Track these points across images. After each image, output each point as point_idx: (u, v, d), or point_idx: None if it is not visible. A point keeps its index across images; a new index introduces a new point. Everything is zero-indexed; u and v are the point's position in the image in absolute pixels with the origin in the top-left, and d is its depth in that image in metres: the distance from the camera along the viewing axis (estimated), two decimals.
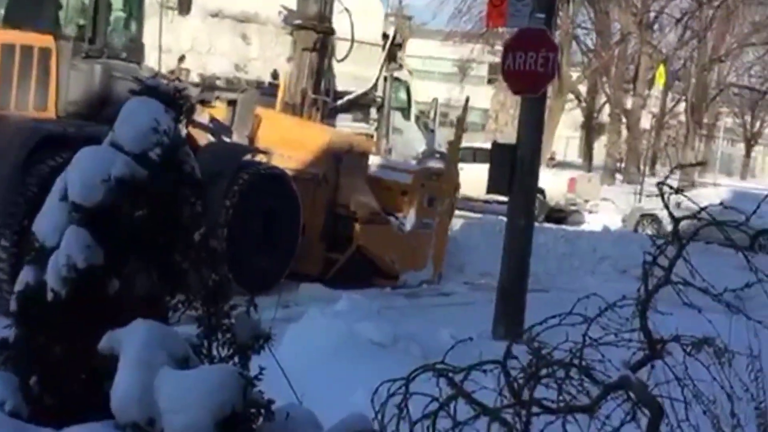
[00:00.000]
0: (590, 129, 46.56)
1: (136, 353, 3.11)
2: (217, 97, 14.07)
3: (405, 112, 21.96)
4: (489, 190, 12.42)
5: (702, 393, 4.05)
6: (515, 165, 11.39)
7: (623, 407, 3.78)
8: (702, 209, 3.83)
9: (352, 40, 15.88)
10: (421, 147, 21.82)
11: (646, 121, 37.08)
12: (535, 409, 3.83)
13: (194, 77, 15.47)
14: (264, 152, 13.47)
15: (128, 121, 3.51)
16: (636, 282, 15.06)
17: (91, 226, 3.39)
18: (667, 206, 3.75)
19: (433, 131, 23.83)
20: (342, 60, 15.98)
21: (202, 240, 3.26)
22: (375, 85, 17.89)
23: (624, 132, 43.99)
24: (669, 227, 18.36)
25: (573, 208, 27.78)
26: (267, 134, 14.10)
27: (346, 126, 16.57)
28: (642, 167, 36.98)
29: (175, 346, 3.14)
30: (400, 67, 19.22)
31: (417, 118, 22.85)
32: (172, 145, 3.35)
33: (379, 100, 18.21)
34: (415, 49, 25.25)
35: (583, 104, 45.20)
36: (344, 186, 14.12)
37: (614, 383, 3.77)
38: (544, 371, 3.74)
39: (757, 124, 60.29)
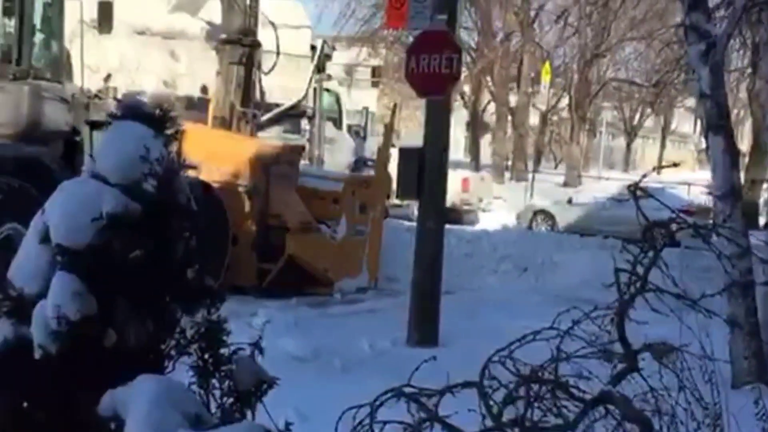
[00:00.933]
0: (476, 128, 46.87)
1: (146, 415, 2.70)
2: None
3: (336, 121, 22.27)
4: (399, 196, 12.38)
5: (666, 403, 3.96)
6: (423, 168, 11.30)
7: (609, 423, 3.64)
8: (676, 212, 3.68)
9: (278, 53, 16.02)
10: (353, 156, 22.15)
11: (533, 118, 37.45)
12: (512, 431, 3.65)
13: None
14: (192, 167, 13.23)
15: (112, 149, 3.05)
16: (536, 280, 15.11)
17: (79, 270, 2.93)
18: (640, 209, 3.60)
19: (364, 139, 24.39)
20: (268, 72, 16.04)
21: (196, 278, 2.96)
22: (305, 96, 18.09)
23: (509, 130, 44.40)
24: (562, 224, 18.48)
25: (467, 207, 27.89)
26: (193, 148, 13.68)
27: (277, 137, 16.80)
28: (531, 164, 37.34)
29: (187, 403, 2.75)
30: (329, 77, 19.53)
31: (349, 128, 23.20)
32: (166, 175, 2.97)
33: (309, 110, 18.45)
34: None
35: (468, 104, 45.48)
36: (274, 196, 14.26)
37: (595, 399, 3.62)
38: (521, 390, 3.55)
39: (637, 117, 61.53)
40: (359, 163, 22.00)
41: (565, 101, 48.02)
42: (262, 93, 16.29)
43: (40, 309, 2.95)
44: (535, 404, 3.64)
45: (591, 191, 29.46)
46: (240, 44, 15.20)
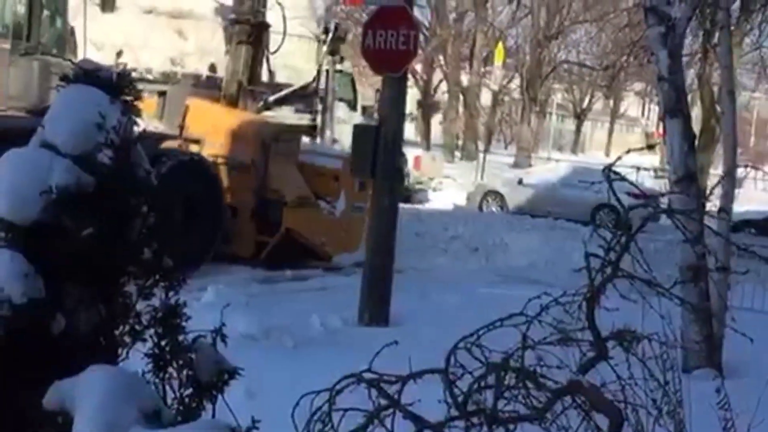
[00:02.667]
0: (427, 107, 46.76)
1: (97, 409, 2.42)
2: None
3: (350, 103, 22.36)
4: (354, 173, 12.25)
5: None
6: (378, 146, 11.15)
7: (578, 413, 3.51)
8: (654, 195, 3.56)
9: (284, 33, 16.34)
10: None
11: (485, 99, 37.40)
12: (479, 420, 3.49)
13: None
14: (174, 138, 13.91)
15: (64, 116, 2.73)
16: (486, 260, 15.01)
17: (25, 249, 2.64)
18: (615, 195, 3.48)
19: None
20: (275, 52, 16.52)
21: (154, 258, 2.73)
22: (317, 78, 18.34)
23: (461, 109, 44.32)
24: (512, 205, 18.31)
25: (418, 186, 27.79)
26: (197, 124, 14.67)
27: (289, 116, 17.21)
28: (482, 144, 37.29)
29: (143, 395, 2.47)
30: (342, 60, 19.79)
31: (364, 110, 23.12)
32: (124, 145, 2.70)
33: (321, 91, 18.57)
34: None
35: (420, 83, 45.32)
36: (273, 172, 14.73)
37: (564, 388, 3.48)
38: (490, 378, 3.41)
39: (587, 100, 61.75)
40: None
41: (516, 82, 48.04)
42: (271, 72, 16.85)
43: None
44: (504, 393, 3.50)
45: (541, 173, 29.49)
46: (248, 24, 15.76)
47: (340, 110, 20.90)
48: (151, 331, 2.79)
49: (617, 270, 3.62)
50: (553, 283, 14.05)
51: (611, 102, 65.43)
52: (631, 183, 3.68)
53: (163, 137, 13.59)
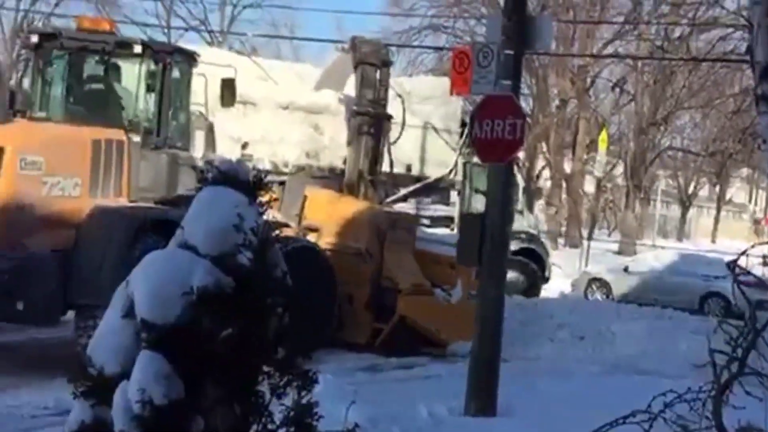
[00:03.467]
0: (530, 194, 46.62)
1: None
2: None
3: None
4: (459, 261, 12.22)
5: None
6: (485, 235, 11.10)
7: None
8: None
9: (403, 124, 17.34)
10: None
11: (588, 185, 37.14)
12: None
13: (266, 164, 16.61)
14: (286, 225, 14.10)
15: (203, 217, 2.78)
16: (593, 349, 14.75)
17: (166, 349, 2.67)
18: (742, 291, 3.41)
19: (521, 212, 24.44)
20: (395, 142, 17.28)
21: (287, 359, 2.74)
22: (452, 170, 19.14)
23: (563, 196, 44.11)
24: (618, 292, 17.97)
25: None
26: (316, 212, 15.58)
27: (426, 208, 18.28)
28: (585, 231, 36.94)
29: None
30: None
31: None
32: (261, 246, 2.73)
33: (458, 184, 19.52)
34: None
35: (523, 170, 45.27)
36: (388, 259, 15.20)
37: None
38: None
39: (692, 186, 60.93)
40: (515, 235, 22.13)
41: (620, 168, 47.67)
42: (391, 162, 17.44)
43: (122, 391, 2.64)
44: None
45: (647, 260, 29.06)
46: (369, 115, 16.43)
47: (479, 202, 20.57)
48: (284, 430, 2.78)
49: (744, 367, 3.54)
50: (662, 373, 13.79)
51: (717, 188, 64.41)
52: (758, 278, 3.60)
53: (278, 225, 13.67)
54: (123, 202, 12.40)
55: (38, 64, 13.27)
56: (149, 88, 12.94)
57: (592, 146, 41.35)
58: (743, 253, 3.66)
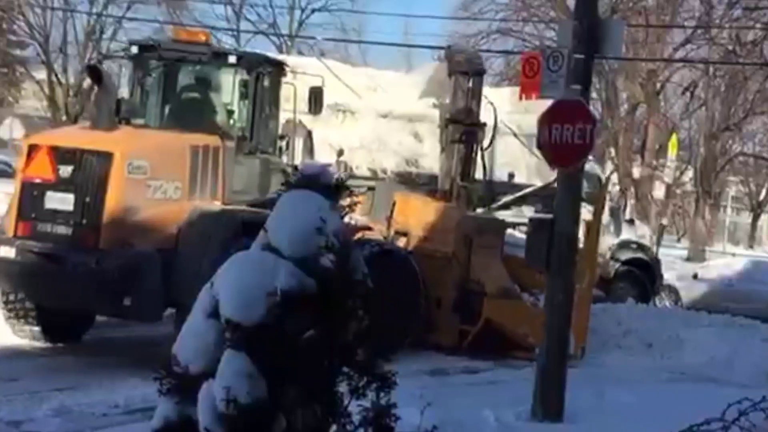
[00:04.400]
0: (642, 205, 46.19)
1: None
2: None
3: None
4: (528, 264, 12.23)
5: None
6: (552, 239, 11.06)
7: None
8: None
9: (495, 130, 17.66)
10: (614, 238, 22.53)
11: (659, 191, 36.77)
12: None
13: (365, 171, 17.67)
14: (368, 228, 14.83)
15: (287, 220, 2.85)
16: (661, 357, 14.51)
17: (250, 349, 2.75)
18: None
19: (632, 221, 24.97)
20: (486, 149, 17.63)
21: (367, 360, 2.78)
22: (552, 180, 18.96)
23: (631, 201, 43.71)
24: (687, 300, 17.72)
25: None
26: (405, 217, 16.11)
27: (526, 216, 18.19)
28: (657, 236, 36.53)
29: None
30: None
31: (612, 211, 23.28)
32: (343, 249, 2.78)
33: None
34: None
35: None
36: (475, 263, 15.58)
37: None
38: None
39: (763, 192, 60.04)
40: (621, 245, 22.40)
41: (689, 174, 47.15)
42: (485, 169, 17.84)
43: (207, 389, 2.71)
44: None
45: (717, 267, 28.67)
46: (461, 124, 16.81)
47: (584, 211, 21.30)
48: (362, 430, 2.81)
49: None
50: (731, 381, 13.63)
51: None
52: None
53: (360, 228, 14.35)
54: (219, 204, 12.97)
55: (138, 75, 14.06)
56: (242, 97, 13.70)
57: (662, 152, 40.94)
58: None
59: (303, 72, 14.93)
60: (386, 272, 13.75)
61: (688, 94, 43.37)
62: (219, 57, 13.81)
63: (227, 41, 41.21)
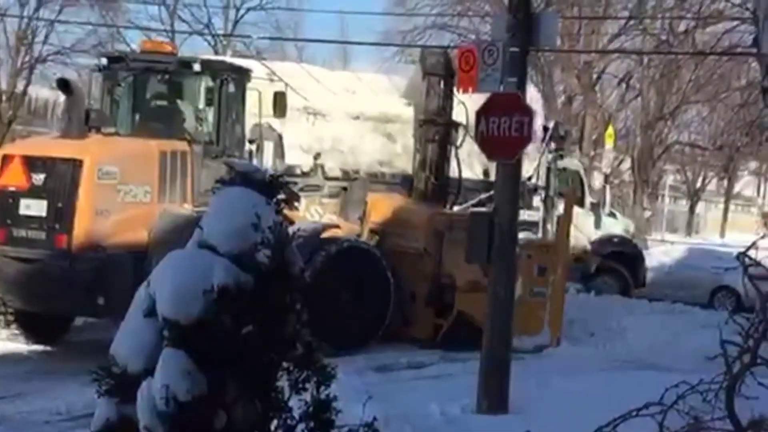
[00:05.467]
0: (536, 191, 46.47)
1: None
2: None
3: (578, 200, 22.77)
4: (468, 260, 12.32)
5: None
6: (493, 233, 11.12)
7: None
8: None
9: (466, 129, 17.78)
10: (597, 232, 23.01)
11: (597, 181, 37.04)
12: None
13: (337, 172, 17.91)
14: (337, 227, 15.76)
15: (222, 217, 2.87)
16: (604, 345, 14.68)
17: (188, 346, 2.74)
18: (754, 283, 3.43)
19: (614, 215, 25.41)
20: (459, 147, 18.06)
21: (306, 353, 2.78)
22: (533, 175, 20.05)
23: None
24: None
25: None
26: (378, 216, 16.73)
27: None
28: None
29: None
30: (561, 157, 21.36)
31: (594, 205, 23.72)
32: (279, 244, 2.78)
33: (540, 188, 20.49)
34: None
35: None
36: (447, 258, 16.03)
37: None
38: None
39: (700, 180, 60.80)
40: (604, 239, 22.80)
41: (627, 164, 47.59)
42: (459, 167, 18.26)
43: (146, 388, 2.71)
44: None
45: (655, 255, 29.02)
46: (434, 124, 17.58)
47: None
48: (303, 425, 2.82)
49: (756, 357, 3.56)
50: (673, 367, 13.80)
51: (725, 182, 64.25)
52: (764, 267, 3.62)
53: (328, 227, 15.49)
54: (188, 207, 13.45)
55: (106, 84, 14.70)
56: (208, 103, 14.37)
57: (599, 142, 41.30)
58: (753, 244, 3.69)
59: (273, 78, 15.91)
60: (354, 268, 14.84)
61: (623, 84, 43.73)
62: (184, 66, 14.38)
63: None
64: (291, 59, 42.98)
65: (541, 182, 20.66)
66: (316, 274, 14.31)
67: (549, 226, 20.42)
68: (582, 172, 24.17)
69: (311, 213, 16.52)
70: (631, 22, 39.71)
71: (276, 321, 2.82)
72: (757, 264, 3.64)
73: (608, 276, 22.50)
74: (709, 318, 17.98)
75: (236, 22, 44.61)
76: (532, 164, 20.02)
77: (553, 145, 20.65)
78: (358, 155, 18.65)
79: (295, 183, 15.47)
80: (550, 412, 9.69)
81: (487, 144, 11.44)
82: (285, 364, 2.90)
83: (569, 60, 40.44)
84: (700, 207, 65.62)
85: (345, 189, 17.04)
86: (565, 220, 17.19)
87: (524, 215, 18.06)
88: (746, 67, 36.78)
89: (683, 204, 65.30)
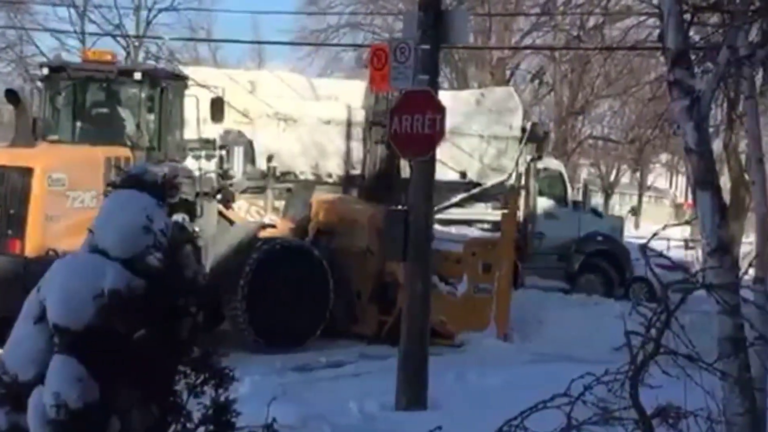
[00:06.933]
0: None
1: None
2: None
3: (560, 199, 23.29)
4: (386, 257, 12.42)
5: None
6: (408, 230, 11.18)
7: None
8: (685, 267, 3.57)
9: (443, 132, 18.77)
10: (582, 230, 23.13)
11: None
12: None
13: (309, 176, 18.64)
14: (272, 227, 16.34)
15: (112, 221, 2.81)
16: (521, 339, 14.76)
17: (79, 353, 2.68)
18: (653, 272, 3.49)
19: (598, 213, 25.97)
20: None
21: (203, 357, 2.73)
22: (511, 175, 20.65)
23: None
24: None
25: None
26: (325, 217, 17.08)
27: (480, 213, 19.86)
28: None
29: None
30: (540, 157, 21.92)
31: (575, 205, 23.94)
32: (171, 247, 2.73)
33: (521, 188, 20.93)
34: None
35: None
36: None
37: None
38: None
39: (613, 173, 61.68)
40: (587, 237, 22.93)
41: None
42: (411, 167, 18.56)
43: (37, 396, 2.64)
44: None
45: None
46: (381, 125, 17.85)
47: (548, 206, 22.37)
48: (203, 428, 2.79)
49: (659, 347, 3.62)
50: (591, 359, 13.93)
51: (638, 175, 65.28)
52: (668, 258, 3.68)
53: (264, 226, 16.09)
54: None
55: (48, 94, 15.06)
56: (149, 110, 14.86)
57: None
58: (654, 235, 3.76)
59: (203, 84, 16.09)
60: (291, 267, 15.28)
61: (536, 80, 44.15)
62: (125, 74, 14.97)
63: (72, 44, 40.21)
64: (204, 60, 42.74)
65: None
66: (251, 274, 15.03)
67: (530, 226, 21.13)
68: (563, 171, 24.56)
69: (252, 214, 16.93)
70: (542, 18, 40.09)
71: (170, 325, 2.77)
72: (659, 255, 3.71)
73: (593, 274, 22.68)
74: (624, 309, 18.22)
75: (148, 23, 44.07)
76: (510, 164, 20.91)
77: (531, 146, 21.31)
78: (328, 159, 19.10)
79: (230, 185, 16.18)
80: (467, 407, 9.77)
81: (401, 142, 11.50)
82: (182, 368, 2.85)
83: (483, 56, 40.73)
84: (614, 199, 66.63)
85: (290, 190, 17.45)
86: (510, 217, 17.56)
87: (490, 215, 19.04)
88: (655, 61, 37.37)
89: (598, 197, 66.23)
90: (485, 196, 19.93)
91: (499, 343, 16.57)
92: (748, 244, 25.35)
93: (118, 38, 41.60)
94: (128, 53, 39.49)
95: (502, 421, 3.85)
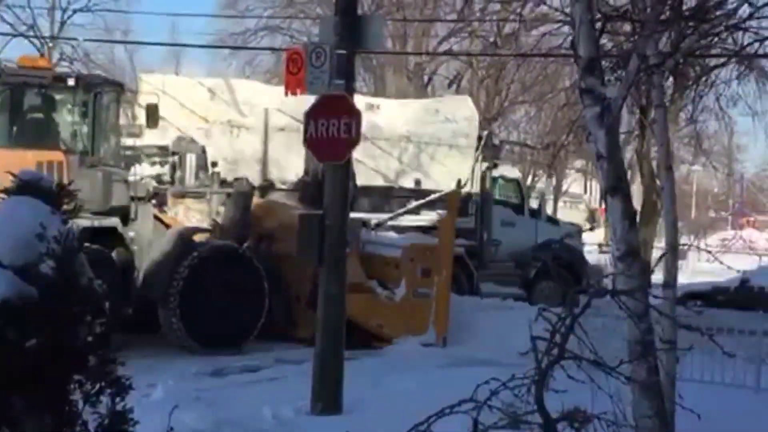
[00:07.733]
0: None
1: None
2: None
3: (517, 206, 23.50)
4: (301, 261, 12.39)
5: None
6: (324, 234, 11.18)
7: None
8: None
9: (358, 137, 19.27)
10: (539, 237, 23.08)
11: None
12: None
13: (258, 182, 18.80)
14: (208, 231, 16.59)
15: (5, 228, 2.75)
16: (433, 344, 14.82)
17: None
18: (558, 272, 3.52)
19: (554, 221, 26.12)
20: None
21: (100, 365, 2.69)
22: (465, 183, 20.67)
23: None
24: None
25: None
26: (267, 222, 17.28)
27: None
28: None
29: None
30: (495, 165, 22.28)
31: (532, 213, 24.16)
32: (65, 255, 2.68)
33: (475, 196, 21.12)
34: None
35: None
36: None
37: None
38: None
39: (530, 178, 62.30)
40: (544, 244, 22.74)
41: None
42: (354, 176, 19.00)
43: None
44: None
45: None
46: None
47: (505, 214, 22.59)
48: None
49: (563, 352, 3.66)
50: (505, 363, 14.06)
51: (554, 180, 66.04)
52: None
53: (197, 231, 16.28)
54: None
55: None
56: (83, 115, 15.26)
57: None
58: (560, 240, 3.79)
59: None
60: (225, 271, 15.48)
61: (454, 85, 44.44)
62: (59, 80, 15.33)
63: None
64: (120, 62, 42.26)
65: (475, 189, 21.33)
66: (185, 278, 15.20)
67: (485, 234, 21.30)
68: (521, 179, 24.88)
69: (189, 219, 17.01)
70: (459, 24, 40.40)
71: (63, 333, 2.73)
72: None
73: (549, 281, 22.74)
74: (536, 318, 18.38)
75: (63, 24, 43.44)
76: (466, 172, 21.12)
77: (487, 154, 21.53)
78: (282, 165, 19.46)
79: (165, 189, 16.64)
80: (381, 411, 9.79)
81: (316, 146, 11.50)
82: (78, 377, 2.80)
83: (400, 62, 40.89)
84: (531, 204, 67.21)
85: (229, 195, 17.52)
86: (448, 222, 17.67)
87: (457, 222, 18.73)
88: (569, 68, 37.86)
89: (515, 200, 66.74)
90: (440, 203, 19.69)
91: (418, 348, 16.63)
92: (660, 249, 25.84)
93: (32, 39, 40.93)
94: (42, 54, 38.83)
95: (410, 425, 3.87)
